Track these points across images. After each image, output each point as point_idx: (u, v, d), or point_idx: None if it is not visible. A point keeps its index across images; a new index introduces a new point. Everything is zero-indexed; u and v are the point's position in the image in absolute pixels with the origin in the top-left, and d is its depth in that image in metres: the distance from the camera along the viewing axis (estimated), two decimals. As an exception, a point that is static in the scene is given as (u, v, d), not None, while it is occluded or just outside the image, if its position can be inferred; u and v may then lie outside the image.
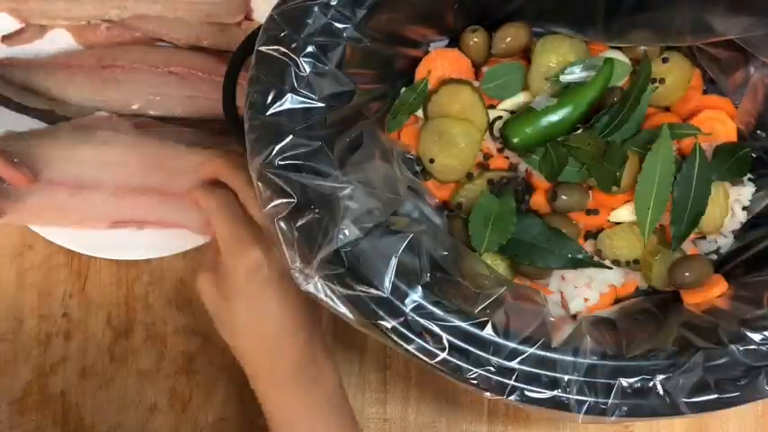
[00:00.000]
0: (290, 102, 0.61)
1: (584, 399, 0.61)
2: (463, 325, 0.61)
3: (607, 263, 0.74)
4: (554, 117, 0.71)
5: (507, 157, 0.76)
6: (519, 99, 0.76)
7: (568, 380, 0.61)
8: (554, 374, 0.61)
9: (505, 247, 0.72)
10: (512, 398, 0.61)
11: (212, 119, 0.83)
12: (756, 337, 0.61)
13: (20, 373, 0.83)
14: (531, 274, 0.74)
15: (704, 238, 0.75)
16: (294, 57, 0.61)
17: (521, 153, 0.73)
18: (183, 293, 0.84)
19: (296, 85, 0.61)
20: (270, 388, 0.65)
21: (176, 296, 0.84)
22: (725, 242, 0.75)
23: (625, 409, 0.61)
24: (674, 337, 0.64)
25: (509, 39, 0.75)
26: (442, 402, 0.83)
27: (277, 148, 0.60)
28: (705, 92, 0.77)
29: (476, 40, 0.75)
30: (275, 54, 0.61)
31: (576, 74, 0.73)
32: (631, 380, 0.61)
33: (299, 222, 0.60)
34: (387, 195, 0.64)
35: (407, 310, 0.61)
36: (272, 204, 0.60)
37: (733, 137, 0.75)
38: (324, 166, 0.61)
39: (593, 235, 0.75)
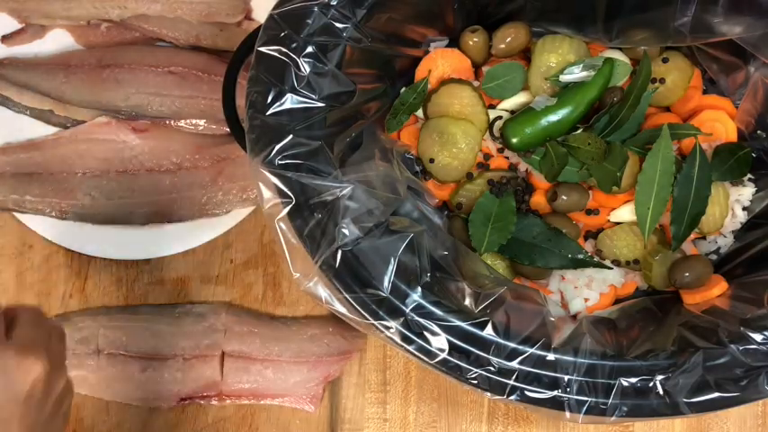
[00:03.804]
0: (290, 102, 0.61)
1: (584, 399, 0.61)
2: (463, 325, 0.62)
3: (607, 263, 0.74)
4: (554, 117, 0.71)
5: (507, 157, 0.76)
6: (519, 99, 0.76)
7: (568, 380, 0.61)
8: (554, 374, 0.61)
9: (505, 247, 0.72)
10: (512, 398, 0.61)
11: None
12: (757, 336, 0.62)
13: (20, 373, 0.83)
14: (531, 274, 0.74)
15: (704, 238, 0.75)
16: (294, 57, 0.61)
17: (521, 153, 0.73)
18: (183, 293, 0.84)
19: (296, 85, 0.61)
20: None
21: (176, 296, 0.84)
22: (725, 242, 0.75)
23: (625, 409, 0.61)
24: (674, 337, 0.64)
25: (509, 39, 0.75)
26: (442, 402, 0.83)
27: (277, 147, 0.60)
28: (705, 92, 0.77)
29: (476, 40, 0.75)
30: (275, 54, 0.61)
31: (575, 74, 0.73)
32: (631, 380, 0.61)
33: (299, 222, 0.60)
34: (387, 195, 0.64)
35: (407, 310, 0.61)
36: (272, 204, 0.60)
37: (733, 137, 0.75)
38: (323, 165, 0.61)
39: (593, 235, 0.75)
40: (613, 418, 0.61)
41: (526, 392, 0.61)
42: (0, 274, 0.84)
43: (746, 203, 0.75)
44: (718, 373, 0.61)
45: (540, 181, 0.74)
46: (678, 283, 0.71)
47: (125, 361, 0.81)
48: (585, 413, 0.61)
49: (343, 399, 0.83)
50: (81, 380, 0.81)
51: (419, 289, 0.62)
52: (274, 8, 0.62)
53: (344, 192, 0.61)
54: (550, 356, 0.62)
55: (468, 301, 0.63)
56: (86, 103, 0.83)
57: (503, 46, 0.75)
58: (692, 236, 0.74)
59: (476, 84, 0.75)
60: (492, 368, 0.61)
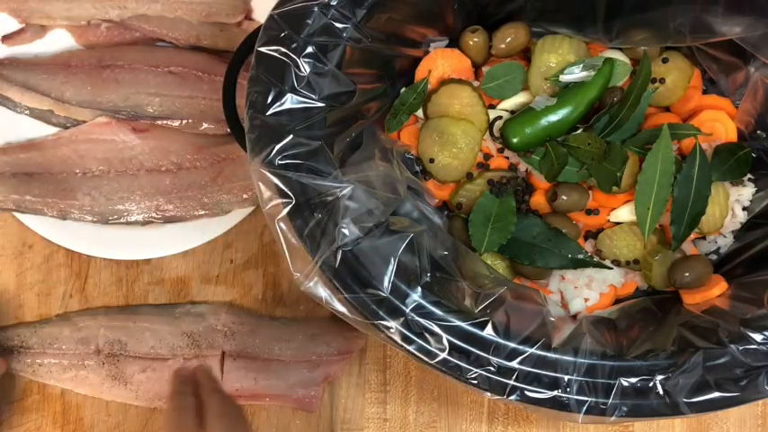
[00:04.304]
0: (290, 102, 0.61)
1: (584, 399, 0.61)
2: (463, 325, 0.62)
3: (607, 263, 0.74)
4: (554, 117, 0.71)
5: (507, 157, 0.76)
6: (519, 99, 0.76)
7: (568, 380, 0.61)
8: (554, 374, 0.61)
9: (505, 247, 0.72)
10: (512, 398, 0.61)
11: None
12: (757, 336, 0.62)
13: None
14: (531, 274, 0.74)
15: (704, 238, 0.75)
16: (294, 57, 0.61)
17: (521, 153, 0.73)
18: (183, 293, 0.84)
19: (296, 85, 0.61)
20: None
21: (176, 296, 0.84)
22: (725, 242, 0.75)
23: (625, 409, 0.61)
24: (674, 337, 0.64)
25: (509, 39, 0.75)
26: (442, 402, 0.83)
27: (277, 147, 0.60)
28: (705, 92, 0.77)
29: (476, 40, 0.75)
30: (275, 54, 0.61)
31: (575, 74, 0.73)
32: (631, 380, 0.61)
33: (299, 222, 0.60)
34: (387, 195, 0.64)
35: (407, 310, 0.61)
36: (272, 204, 0.60)
37: (733, 137, 0.75)
38: (324, 165, 0.61)
39: (593, 235, 0.75)
40: (613, 418, 0.61)
41: (526, 392, 0.61)
42: (0, 274, 0.84)
43: (746, 203, 0.75)
44: (718, 373, 0.61)
45: (540, 181, 0.74)
46: (678, 283, 0.71)
47: (125, 361, 0.81)
48: (585, 413, 0.61)
49: (343, 399, 0.83)
50: (81, 380, 0.81)
51: (419, 289, 0.62)
52: (274, 8, 0.62)
53: (344, 192, 0.61)
54: (550, 356, 0.62)
55: (468, 301, 0.63)
56: (86, 103, 0.83)
57: (503, 46, 0.75)
58: (692, 236, 0.74)
59: (476, 84, 0.75)
60: (492, 368, 0.61)
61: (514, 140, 0.72)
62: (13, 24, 0.84)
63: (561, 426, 0.83)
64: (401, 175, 0.69)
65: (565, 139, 0.72)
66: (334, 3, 0.62)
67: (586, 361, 0.62)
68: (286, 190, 0.60)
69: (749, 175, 0.75)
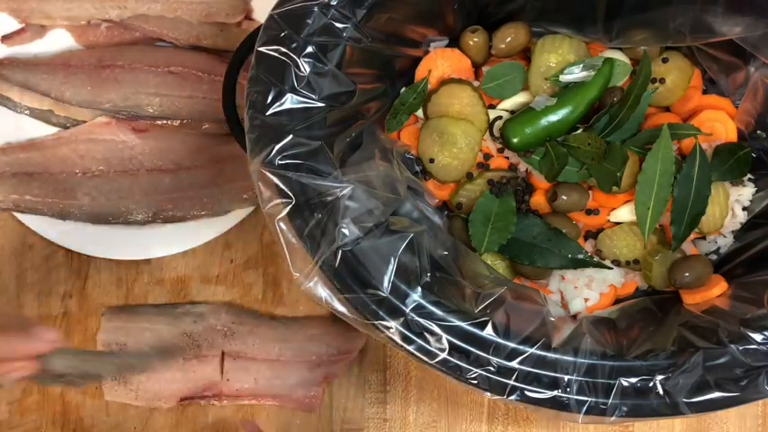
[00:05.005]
0: (290, 102, 0.61)
1: (584, 399, 0.61)
2: (463, 325, 0.62)
3: (607, 263, 0.74)
4: (554, 117, 0.71)
5: (507, 157, 0.76)
6: (519, 99, 0.76)
7: (568, 380, 0.61)
8: (554, 374, 0.61)
9: (505, 247, 0.72)
10: (512, 398, 0.61)
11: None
12: (757, 336, 0.62)
13: (20, 373, 0.83)
14: (530, 274, 0.74)
15: (704, 238, 0.75)
16: (294, 57, 0.61)
17: (521, 153, 0.73)
18: (183, 293, 0.84)
19: (296, 85, 0.61)
20: None
21: (176, 296, 0.84)
22: (725, 242, 0.75)
23: (625, 409, 0.61)
24: (674, 337, 0.64)
25: (509, 39, 0.75)
26: (441, 402, 0.83)
27: (277, 147, 0.60)
28: (705, 92, 0.77)
29: (476, 40, 0.75)
30: (275, 54, 0.61)
31: (575, 74, 0.73)
32: (631, 380, 0.61)
33: (299, 222, 0.60)
34: (387, 195, 0.64)
35: (407, 310, 0.61)
36: (272, 204, 0.60)
37: (733, 137, 0.75)
38: (324, 165, 0.61)
39: (593, 235, 0.75)
40: (613, 418, 0.61)
41: (526, 392, 0.61)
42: (0, 274, 0.84)
43: (746, 203, 0.75)
44: (718, 373, 0.61)
45: (540, 181, 0.74)
46: (678, 283, 0.71)
47: (125, 361, 0.81)
48: (585, 413, 0.61)
49: (343, 399, 0.83)
50: (81, 380, 0.81)
51: (419, 289, 0.62)
52: (274, 8, 0.62)
53: (344, 192, 0.61)
54: (550, 356, 0.62)
55: (468, 301, 0.63)
56: (86, 103, 0.83)
57: (503, 46, 0.75)
58: (692, 236, 0.74)
59: (476, 84, 0.75)
60: (492, 368, 0.61)
61: (514, 140, 0.72)
62: (13, 24, 0.84)
63: (561, 426, 0.83)
64: (401, 175, 0.69)
65: (565, 139, 0.72)
66: (334, 3, 0.62)
67: (586, 361, 0.62)
68: (286, 190, 0.60)
69: (749, 175, 0.75)
